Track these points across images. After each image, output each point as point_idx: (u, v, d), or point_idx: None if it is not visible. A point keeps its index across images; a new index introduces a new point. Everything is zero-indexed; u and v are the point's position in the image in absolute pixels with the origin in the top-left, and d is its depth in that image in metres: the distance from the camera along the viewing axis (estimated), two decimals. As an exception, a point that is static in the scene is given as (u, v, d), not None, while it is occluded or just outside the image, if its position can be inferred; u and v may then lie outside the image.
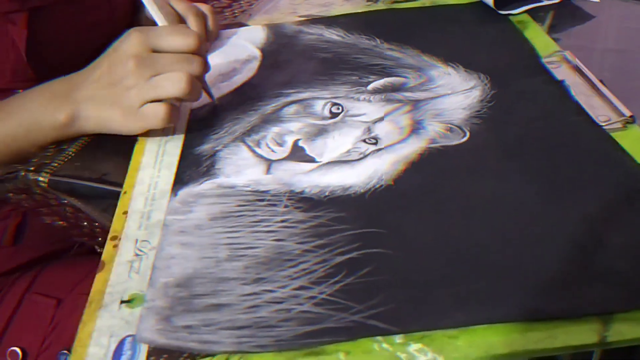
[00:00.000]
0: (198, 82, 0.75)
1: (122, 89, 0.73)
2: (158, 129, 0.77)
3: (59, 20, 0.85)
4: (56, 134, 0.76)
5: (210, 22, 0.98)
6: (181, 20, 0.94)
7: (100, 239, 0.81)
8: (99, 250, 0.84)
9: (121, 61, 0.73)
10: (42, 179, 0.72)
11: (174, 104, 0.74)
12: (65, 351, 0.87)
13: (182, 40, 0.74)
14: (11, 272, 0.95)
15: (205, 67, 0.76)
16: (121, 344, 0.53)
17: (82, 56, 0.84)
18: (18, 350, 0.88)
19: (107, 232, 0.70)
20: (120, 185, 0.71)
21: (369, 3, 1.08)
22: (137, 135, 0.77)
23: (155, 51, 0.73)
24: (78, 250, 1.01)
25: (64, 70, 0.79)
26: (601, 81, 0.78)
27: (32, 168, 0.73)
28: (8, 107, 0.78)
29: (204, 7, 0.98)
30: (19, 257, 0.96)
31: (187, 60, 0.73)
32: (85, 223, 0.78)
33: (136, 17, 1.00)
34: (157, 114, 0.73)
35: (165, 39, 0.74)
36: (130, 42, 0.73)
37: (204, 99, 0.81)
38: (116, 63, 0.74)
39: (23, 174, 0.73)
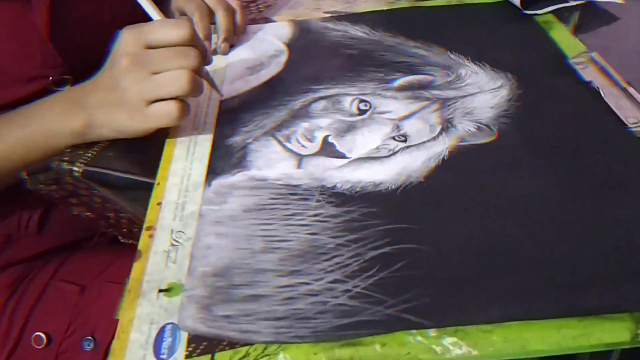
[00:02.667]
0: (199, 78, 0.73)
1: (122, 90, 0.72)
2: (184, 125, 0.78)
3: (80, 7, 0.85)
4: (74, 140, 0.76)
5: (238, 17, 0.98)
6: (211, 13, 0.94)
7: (125, 229, 0.82)
8: (122, 240, 0.85)
9: (116, 62, 0.72)
10: (77, 169, 0.72)
11: (183, 100, 0.73)
12: (89, 337, 0.88)
13: (175, 32, 0.72)
14: (35, 258, 0.96)
15: (204, 58, 0.75)
16: (162, 331, 0.54)
17: (108, 41, 0.85)
18: (43, 335, 0.89)
19: (134, 222, 0.71)
20: (153, 176, 0.71)
21: (392, 1, 1.09)
22: (159, 134, 0.76)
23: (150, 47, 0.72)
24: (100, 239, 1.02)
25: (92, 58, 0.79)
26: (628, 83, 0.78)
27: (66, 158, 0.73)
28: (27, 112, 0.78)
29: (234, 2, 0.98)
30: (43, 244, 0.96)
31: (183, 54, 0.72)
32: (112, 214, 0.79)
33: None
34: (168, 113, 0.72)
35: (158, 33, 0.72)
36: (123, 41, 0.72)
37: (230, 91, 0.82)
38: (112, 65, 0.73)
39: (57, 164, 0.73)
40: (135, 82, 0.71)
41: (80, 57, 0.81)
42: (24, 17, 0.80)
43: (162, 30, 0.72)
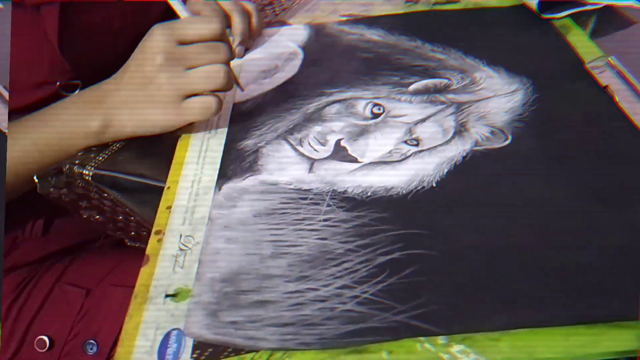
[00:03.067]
0: (232, 72, 0.75)
1: (157, 86, 0.73)
2: (202, 124, 0.78)
3: (89, 10, 0.85)
4: (89, 142, 0.77)
5: (254, 20, 0.98)
6: (227, 16, 0.94)
7: (133, 232, 0.82)
8: (129, 243, 0.85)
9: (149, 59, 0.73)
10: (87, 172, 0.73)
11: (218, 95, 0.75)
12: (92, 340, 0.88)
13: (207, 27, 0.74)
14: (40, 260, 0.96)
15: (232, 53, 0.76)
16: (167, 336, 0.54)
17: (117, 47, 0.85)
18: (46, 338, 0.89)
19: (143, 226, 0.71)
20: (164, 180, 0.71)
21: (409, 4, 1.08)
22: (179, 132, 0.77)
23: (182, 43, 0.73)
24: (105, 241, 1.02)
25: (100, 64, 0.79)
26: (645, 87, 0.78)
27: (77, 162, 0.74)
28: (42, 116, 0.78)
29: (249, 5, 0.98)
30: (48, 247, 0.96)
31: (216, 49, 0.74)
32: (121, 217, 0.79)
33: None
34: (207, 107, 0.74)
35: (190, 29, 0.74)
36: (155, 38, 0.73)
37: (244, 94, 0.83)
38: (144, 62, 0.74)
39: (68, 167, 0.73)
40: (172, 78, 0.73)
41: (88, 63, 0.82)
42: (32, 25, 0.80)
43: (194, 26, 0.74)
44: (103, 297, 0.89)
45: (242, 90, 0.84)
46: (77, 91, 0.83)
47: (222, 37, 0.75)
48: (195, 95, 0.74)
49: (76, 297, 0.91)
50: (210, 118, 0.76)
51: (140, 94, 0.74)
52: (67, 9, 0.81)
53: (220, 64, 0.73)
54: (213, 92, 0.75)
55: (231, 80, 0.75)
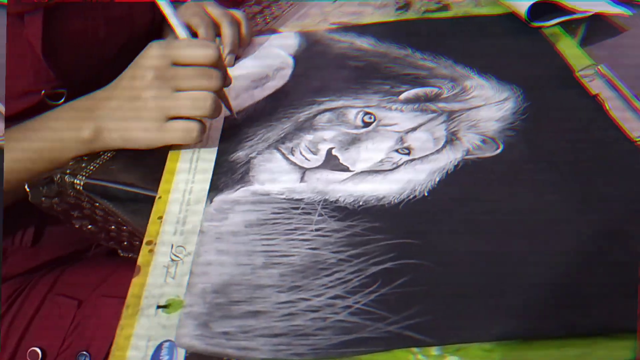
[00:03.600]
0: (219, 101, 0.75)
1: (143, 102, 0.73)
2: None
3: (74, 18, 0.85)
4: (80, 150, 0.77)
5: (244, 29, 0.98)
6: (216, 25, 0.94)
7: (126, 242, 0.81)
8: (122, 254, 0.85)
9: (141, 74, 0.73)
10: (79, 181, 0.72)
11: (202, 120, 0.75)
12: (84, 352, 0.88)
13: (202, 52, 0.73)
14: (31, 271, 0.96)
15: (226, 80, 0.76)
16: (159, 348, 0.53)
17: (102, 56, 0.85)
18: (38, 350, 0.88)
19: (135, 236, 0.71)
20: (155, 189, 0.71)
21: (400, 12, 1.08)
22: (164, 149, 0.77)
23: (176, 64, 0.73)
24: (96, 250, 1.02)
25: (85, 72, 0.79)
26: (635, 95, 0.78)
27: (68, 171, 0.74)
28: (33, 125, 0.78)
29: (239, 14, 0.98)
30: (39, 257, 0.96)
31: (207, 75, 0.73)
32: (114, 227, 0.78)
33: (156, 14, 1.00)
34: (188, 131, 0.74)
35: (185, 51, 0.74)
36: (150, 55, 0.74)
37: (235, 106, 0.83)
38: (136, 77, 0.74)
39: (59, 176, 0.73)
40: (159, 97, 0.73)
41: (73, 71, 0.82)
42: (16, 33, 0.80)
43: (190, 49, 0.74)
44: (95, 308, 0.89)
45: (234, 117, 0.83)
46: (62, 99, 0.83)
47: (216, 64, 0.74)
48: (180, 118, 0.74)
49: (68, 308, 0.91)
50: (190, 143, 0.75)
51: (127, 107, 0.74)
52: (50, 18, 0.81)
53: (208, 92, 0.73)
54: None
55: (218, 109, 0.74)
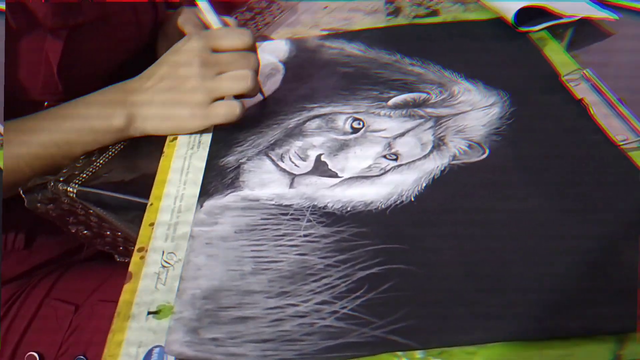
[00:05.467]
0: (258, 78, 0.80)
1: (189, 88, 0.78)
2: (184, 140, 0.80)
3: (93, 38, 0.87)
4: (110, 138, 0.80)
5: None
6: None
7: (121, 247, 0.82)
8: (118, 259, 0.86)
9: (185, 62, 0.78)
10: (71, 189, 0.73)
11: (242, 101, 0.79)
12: (82, 356, 0.89)
13: (240, 38, 0.80)
14: (26, 274, 0.97)
15: (259, 62, 0.81)
16: (149, 354, 0.55)
17: (106, 71, 0.87)
18: (36, 355, 0.89)
19: (130, 241, 0.72)
20: (147, 196, 0.72)
21: (390, 18, 1.09)
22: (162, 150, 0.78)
23: (215, 51, 0.79)
24: (89, 252, 1.02)
25: (89, 85, 0.81)
26: (620, 100, 0.79)
27: (61, 178, 0.75)
28: (62, 112, 0.81)
29: (230, 21, 0.99)
30: (32, 260, 0.97)
31: (247, 57, 0.79)
32: (109, 232, 0.79)
33: (158, 10, 1.01)
34: (232, 111, 0.79)
35: (224, 39, 0.80)
36: (193, 44, 0.79)
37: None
38: (180, 64, 0.78)
39: (53, 184, 0.74)
40: (204, 82, 0.77)
41: (80, 85, 0.83)
42: (36, 48, 0.81)
43: (228, 36, 0.80)
44: (92, 313, 0.91)
45: (264, 97, 0.88)
46: None
47: (252, 48, 0.80)
48: (221, 99, 0.78)
49: (65, 313, 0.92)
50: (233, 121, 0.79)
51: (169, 95, 0.78)
52: (72, 36, 0.83)
53: (248, 70, 0.78)
54: (237, 97, 0.79)
55: (257, 86, 0.80)
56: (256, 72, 0.80)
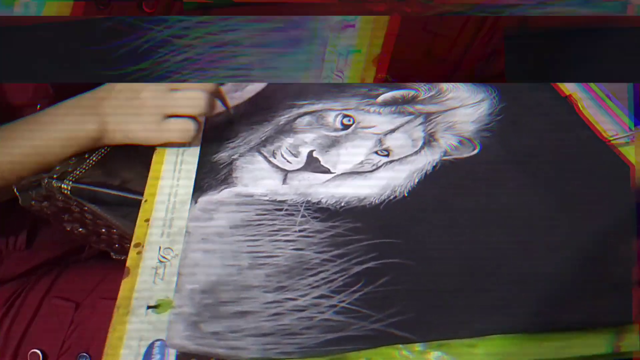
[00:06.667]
0: (213, 99, 0.77)
1: (142, 101, 0.75)
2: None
3: None
4: (88, 145, 0.78)
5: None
6: None
7: (117, 245, 0.82)
8: (114, 256, 0.85)
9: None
10: (65, 186, 0.73)
11: (198, 120, 0.77)
12: (84, 353, 0.89)
13: None
14: (26, 273, 0.96)
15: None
16: (150, 347, 0.55)
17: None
18: (39, 352, 0.89)
19: (125, 238, 0.72)
20: (141, 193, 0.72)
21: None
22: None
23: None
24: (89, 252, 1.02)
25: (82, 87, 0.80)
26: (608, 95, 0.79)
27: (55, 176, 0.74)
28: (42, 118, 0.79)
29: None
30: (33, 260, 0.97)
31: None
32: (104, 230, 0.79)
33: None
34: (186, 130, 0.75)
35: None
36: None
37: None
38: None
39: (47, 181, 0.74)
40: (156, 96, 0.75)
41: (69, 85, 0.82)
42: None
43: None
44: (93, 310, 0.90)
45: (229, 110, 0.85)
46: None
47: None
48: (176, 116, 0.75)
49: (66, 311, 0.91)
50: (187, 141, 0.77)
51: (127, 106, 0.76)
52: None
53: (202, 91, 0.75)
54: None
55: (213, 107, 0.77)
56: (213, 91, 0.77)
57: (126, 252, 0.65)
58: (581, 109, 0.78)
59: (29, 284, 0.95)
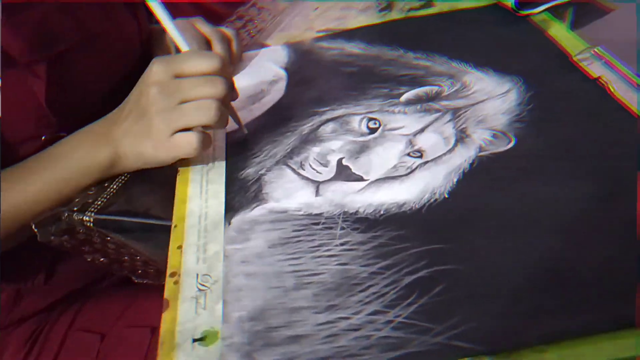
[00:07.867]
0: (225, 109, 0.73)
1: (149, 119, 0.71)
2: (198, 157, 0.76)
3: (77, 65, 0.83)
4: (103, 174, 0.76)
5: (234, 45, 0.97)
6: (207, 42, 0.93)
7: (140, 270, 0.80)
8: (136, 280, 0.83)
9: (145, 91, 0.72)
10: (88, 218, 0.71)
11: (205, 132, 0.73)
12: None
13: (205, 62, 0.72)
14: (48, 309, 0.94)
15: (231, 88, 0.74)
16: (203, 384, 0.52)
17: (100, 93, 0.84)
18: None
19: (149, 264, 0.69)
20: (166, 217, 0.69)
21: (383, 12, 1.07)
22: (176, 166, 0.75)
23: (180, 77, 0.72)
24: (110, 280, 1.00)
25: (85, 111, 0.78)
26: (638, 74, 0.77)
27: (75, 208, 0.72)
28: (54, 152, 0.77)
29: (228, 31, 0.97)
30: (53, 294, 0.95)
31: (211, 83, 0.71)
32: (127, 257, 0.77)
33: (140, 20, 0.98)
34: (189, 143, 0.71)
35: (188, 63, 0.72)
36: (152, 70, 0.72)
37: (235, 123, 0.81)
38: (141, 94, 0.72)
39: (67, 215, 0.71)
40: (163, 111, 0.71)
41: (74, 114, 0.80)
42: (21, 83, 0.78)
43: (193, 60, 0.72)
44: (120, 340, 0.88)
45: (244, 130, 0.82)
46: None
47: (220, 72, 0.72)
48: (187, 129, 0.72)
49: (92, 343, 0.89)
50: (196, 154, 0.73)
51: (136, 126, 0.73)
52: (55, 66, 0.79)
53: (212, 100, 0.71)
54: (205, 127, 0.73)
55: (223, 117, 0.72)
56: (224, 100, 0.73)
57: (149, 276, 0.62)
58: (612, 91, 0.75)
59: (51, 319, 0.93)
